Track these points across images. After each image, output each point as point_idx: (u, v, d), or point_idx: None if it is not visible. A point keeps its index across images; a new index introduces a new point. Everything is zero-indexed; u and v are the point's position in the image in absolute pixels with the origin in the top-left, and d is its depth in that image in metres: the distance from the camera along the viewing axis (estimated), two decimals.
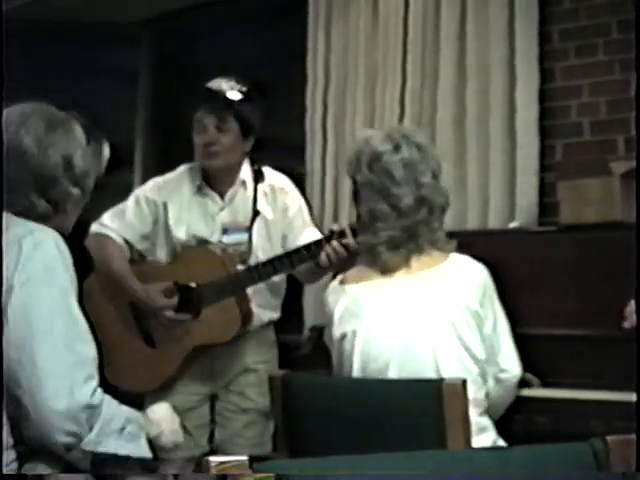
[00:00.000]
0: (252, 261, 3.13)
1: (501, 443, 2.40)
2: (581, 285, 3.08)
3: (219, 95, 3.21)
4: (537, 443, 1.50)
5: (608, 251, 3.04)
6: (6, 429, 1.79)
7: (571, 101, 3.64)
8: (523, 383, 2.76)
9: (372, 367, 2.34)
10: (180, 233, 3.20)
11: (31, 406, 1.78)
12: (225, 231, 3.19)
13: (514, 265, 3.12)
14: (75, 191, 2.02)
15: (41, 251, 1.86)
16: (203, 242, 3.19)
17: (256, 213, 3.18)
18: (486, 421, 2.37)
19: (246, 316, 3.12)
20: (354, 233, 2.80)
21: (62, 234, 2.03)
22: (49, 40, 5.17)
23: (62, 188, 1.99)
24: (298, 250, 2.99)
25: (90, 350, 1.89)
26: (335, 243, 2.82)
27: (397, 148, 2.42)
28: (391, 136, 2.45)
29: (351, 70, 4.16)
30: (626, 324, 2.73)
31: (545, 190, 3.63)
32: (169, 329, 3.11)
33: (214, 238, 3.18)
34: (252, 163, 3.27)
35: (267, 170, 3.26)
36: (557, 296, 3.12)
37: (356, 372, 2.37)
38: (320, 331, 3.70)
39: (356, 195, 2.52)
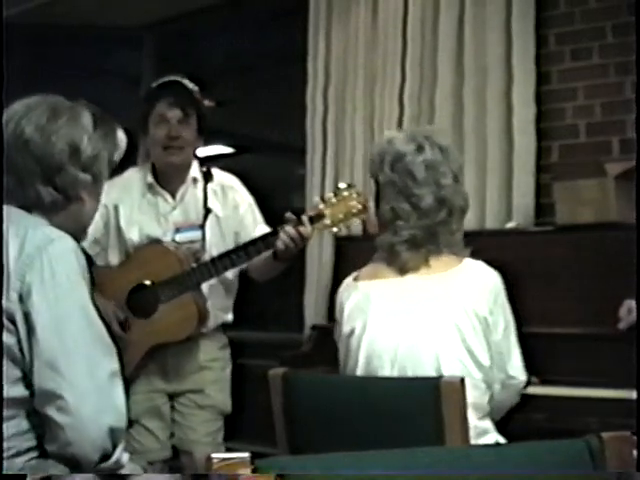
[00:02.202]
0: (206, 259, 3.10)
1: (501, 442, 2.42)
2: (577, 284, 3.10)
3: (182, 88, 3.20)
4: (534, 440, 1.51)
5: (603, 251, 3.06)
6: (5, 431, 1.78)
7: (567, 103, 3.65)
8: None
9: (375, 364, 2.34)
10: (133, 235, 3.17)
11: (69, 425, 1.77)
12: (178, 230, 3.17)
13: (511, 265, 3.13)
14: (84, 177, 1.99)
15: (63, 265, 1.85)
16: (154, 239, 3.16)
17: (208, 211, 3.16)
18: (487, 424, 2.37)
19: (203, 314, 3.09)
20: (311, 221, 2.82)
21: (84, 225, 2.06)
22: (52, 43, 5.18)
23: (69, 174, 1.96)
24: (254, 241, 2.97)
25: (115, 363, 1.89)
26: (291, 229, 2.82)
27: (420, 149, 2.42)
28: (414, 137, 2.45)
29: (351, 71, 4.17)
30: (621, 325, 2.76)
31: (541, 191, 3.63)
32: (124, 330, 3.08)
33: (167, 237, 3.16)
34: (200, 164, 3.26)
35: (215, 170, 3.26)
36: (553, 295, 3.14)
37: (360, 368, 2.37)
38: (320, 330, 3.74)
39: (378, 195, 2.51)
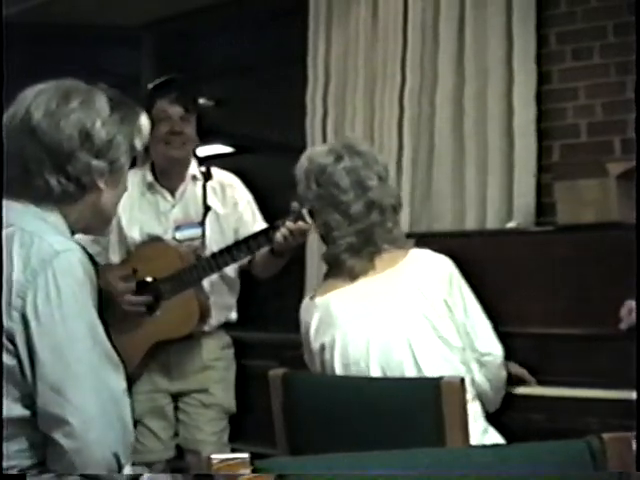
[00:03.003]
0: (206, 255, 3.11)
1: (492, 431, 2.42)
2: (578, 284, 3.09)
3: (183, 86, 3.23)
4: (534, 441, 1.51)
5: (604, 251, 3.05)
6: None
7: (568, 103, 3.65)
8: (519, 381, 2.79)
9: (354, 371, 2.37)
10: (134, 233, 3.19)
11: (75, 450, 1.71)
12: (178, 228, 3.19)
13: (512, 265, 3.13)
14: (99, 163, 1.86)
15: (69, 280, 1.74)
16: (155, 236, 3.17)
17: (207, 208, 3.18)
18: (475, 407, 2.39)
19: (205, 310, 3.10)
20: (311, 215, 2.84)
21: (105, 216, 1.95)
22: (50, 42, 5.18)
23: (81, 162, 1.83)
24: (255, 235, 2.98)
25: (122, 381, 1.82)
26: (291, 223, 2.85)
27: (339, 158, 2.50)
28: (332, 149, 2.55)
29: (351, 71, 4.17)
30: (622, 325, 2.75)
31: (542, 191, 3.64)
32: (128, 325, 3.06)
33: (167, 235, 3.18)
34: (200, 163, 3.28)
35: (214, 169, 3.27)
36: (554, 295, 3.13)
37: None
38: None
39: (312, 215, 2.60)
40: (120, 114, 1.91)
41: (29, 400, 1.74)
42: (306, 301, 2.57)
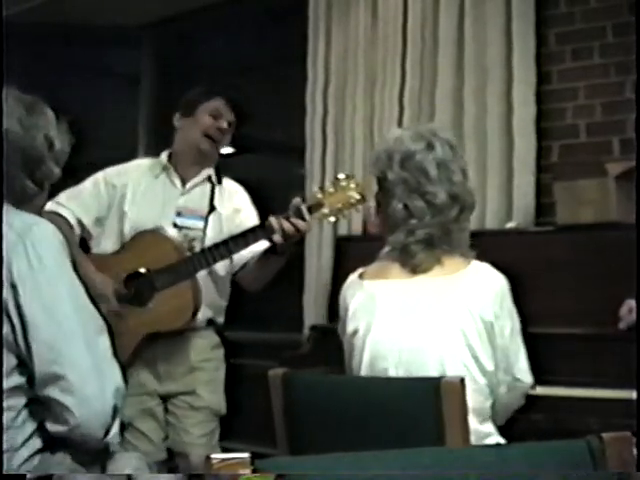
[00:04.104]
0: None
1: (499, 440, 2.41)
2: (577, 284, 3.10)
3: (237, 95, 3.29)
4: (534, 440, 1.50)
5: (604, 251, 3.06)
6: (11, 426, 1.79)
7: (567, 103, 3.66)
8: None
9: (380, 366, 2.33)
10: (133, 214, 3.18)
11: (75, 405, 1.78)
12: (179, 214, 3.18)
13: (511, 265, 3.13)
14: (57, 170, 2.00)
15: (47, 248, 1.84)
16: (152, 227, 3.14)
17: (212, 208, 3.19)
18: (489, 428, 2.36)
19: (199, 304, 3.07)
20: (310, 211, 2.83)
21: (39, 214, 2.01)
22: (51, 42, 5.18)
23: (47, 168, 1.97)
24: (253, 229, 2.97)
25: (107, 341, 1.90)
26: (292, 219, 2.82)
27: (430, 146, 2.39)
28: (422, 135, 2.42)
29: (351, 71, 4.17)
30: (621, 325, 2.76)
31: (542, 191, 3.64)
32: (119, 317, 3.04)
33: (167, 219, 3.16)
34: (216, 172, 3.31)
35: (226, 179, 3.31)
36: (554, 295, 3.14)
37: (364, 369, 2.36)
38: (320, 330, 3.74)
39: (382, 194, 2.45)
40: (61, 126, 2.02)
41: (24, 367, 1.81)
42: (353, 277, 2.47)
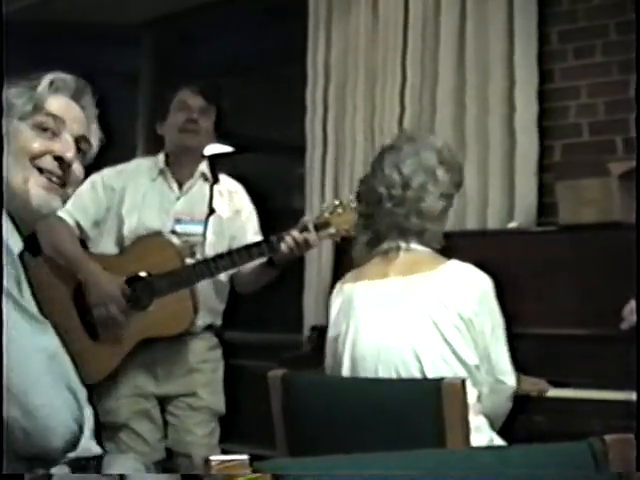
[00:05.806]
0: (200, 256, 3.10)
1: (498, 441, 2.41)
2: (580, 285, 3.09)
3: (206, 80, 3.28)
4: (536, 442, 1.50)
5: (606, 251, 3.05)
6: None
7: (570, 102, 3.65)
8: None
9: (361, 367, 2.36)
10: (132, 219, 3.17)
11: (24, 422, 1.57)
12: (179, 221, 3.18)
13: (513, 265, 3.12)
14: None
15: None
16: (155, 231, 3.14)
17: (212, 210, 3.19)
18: (480, 420, 2.36)
19: (196, 312, 3.09)
20: (316, 229, 2.87)
21: None
22: (50, 41, 5.17)
23: None
24: (258, 243, 3.00)
25: (53, 340, 1.69)
26: (298, 234, 2.86)
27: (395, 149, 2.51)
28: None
29: (351, 70, 4.17)
30: (624, 325, 2.74)
31: (544, 190, 3.63)
32: (117, 321, 3.04)
33: (167, 226, 3.16)
34: (211, 168, 3.29)
35: (222, 176, 3.30)
36: (556, 296, 3.13)
37: (345, 372, 2.39)
38: (320, 330, 3.72)
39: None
40: None
41: None
42: (338, 285, 2.55)
